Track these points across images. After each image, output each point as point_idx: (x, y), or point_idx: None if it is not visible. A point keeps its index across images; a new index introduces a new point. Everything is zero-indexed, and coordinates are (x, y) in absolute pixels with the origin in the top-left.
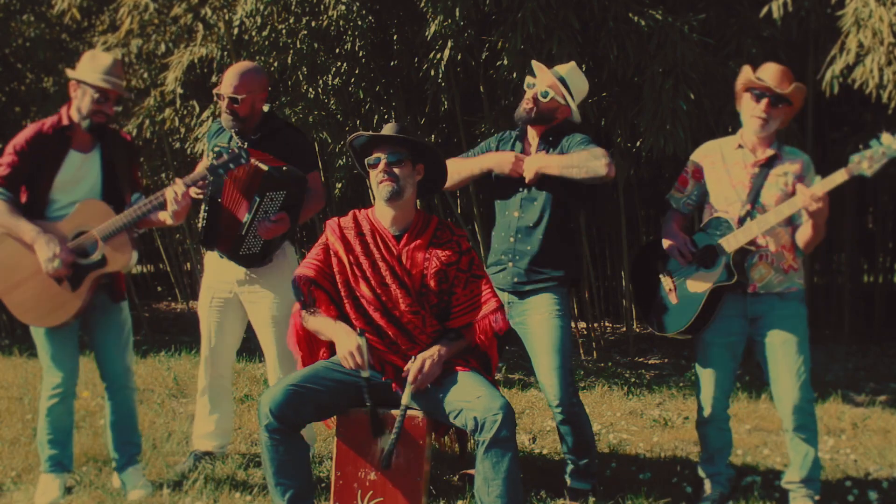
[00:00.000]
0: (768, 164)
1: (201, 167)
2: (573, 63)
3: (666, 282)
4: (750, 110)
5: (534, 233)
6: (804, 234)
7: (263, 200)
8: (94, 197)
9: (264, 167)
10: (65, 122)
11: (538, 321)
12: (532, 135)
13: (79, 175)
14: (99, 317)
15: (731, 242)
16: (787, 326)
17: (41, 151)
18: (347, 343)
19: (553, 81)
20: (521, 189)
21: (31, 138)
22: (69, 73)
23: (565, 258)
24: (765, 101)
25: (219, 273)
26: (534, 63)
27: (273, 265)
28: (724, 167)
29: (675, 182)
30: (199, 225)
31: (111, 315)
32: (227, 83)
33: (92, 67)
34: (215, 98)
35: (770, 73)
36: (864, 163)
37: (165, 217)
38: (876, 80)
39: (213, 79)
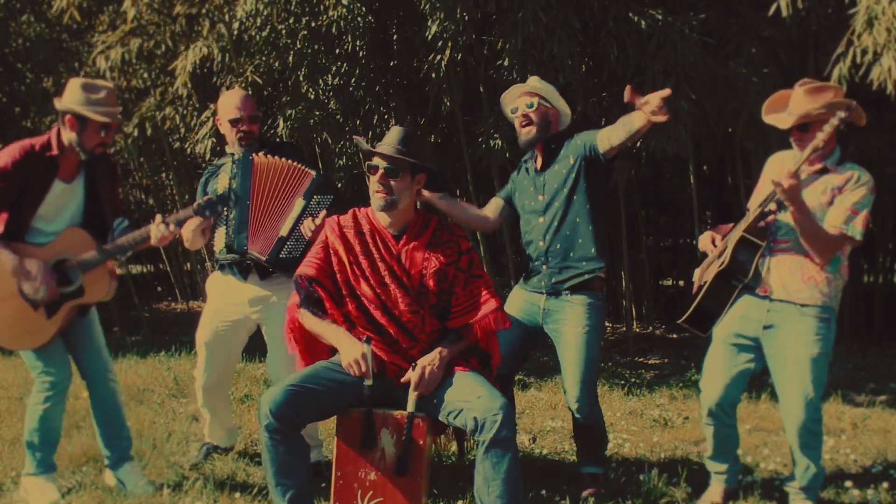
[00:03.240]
0: (820, 173)
1: (189, 209)
2: (533, 76)
3: (697, 273)
4: (792, 140)
5: (563, 231)
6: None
7: (310, 203)
8: (75, 223)
9: (311, 171)
10: (55, 151)
11: (571, 332)
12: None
13: (60, 204)
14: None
15: (735, 232)
16: (801, 343)
17: (26, 179)
18: (353, 351)
19: (526, 94)
20: (541, 198)
21: (18, 161)
22: (62, 105)
23: (596, 245)
24: (792, 133)
25: (228, 296)
26: (501, 98)
27: (286, 280)
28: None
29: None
30: (229, 231)
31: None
32: (242, 106)
33: (88, 100)
34: (230, 126)
35: (793, 101)
36: (821, 135)
37: (150, 240)
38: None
39: (215, 80)
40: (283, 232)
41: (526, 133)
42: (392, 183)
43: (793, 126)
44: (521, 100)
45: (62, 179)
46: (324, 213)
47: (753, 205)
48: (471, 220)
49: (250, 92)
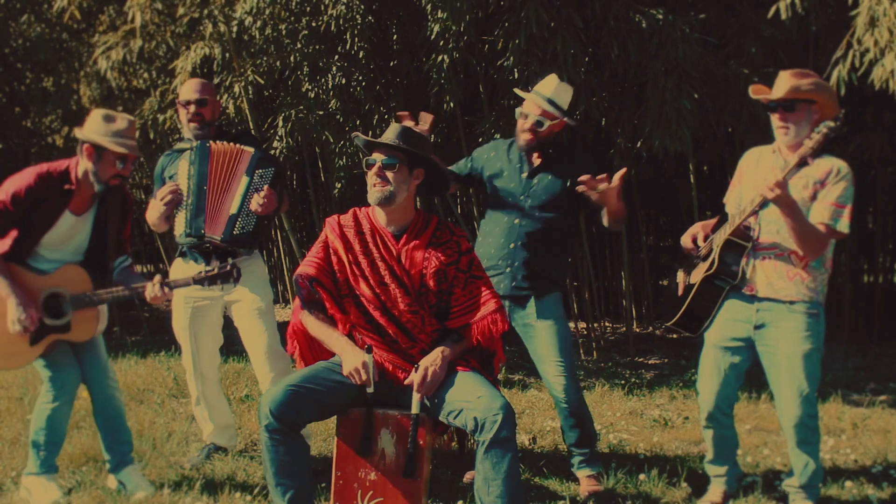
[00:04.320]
0: (799, 166)
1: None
2: (553, 76)
3: (680, 275)
4: (773, 123)
5: (535, 240)
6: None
7: (254, 179)
8: (79, 254)
9: (249, 149)
10: (73, 184)
11: (544, 325)
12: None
13: (67, 236)
14: None
15: (720, 234)
16: (792, 340)
17: (38, 206)
18: (354, 359)
19: (542, 108)
20: (522, 198)
21: (32, 188)
22: (82, 134)
23: (560, 265)
24: (776, 112)
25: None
26: (518, 91)
27: (247, 262)
28: (758, 171)
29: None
30: (186, 215)
31: None
32: (190, 90)
33: (107, 130)
34: (180, 108)
35: (776, 82)
36: (809, 143)
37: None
38: None
39: (215, 79)
40: (233, 209)
41: (524, 140)
42: (389, 175)
43: (779, 104)
44: (535, 110)
45: (73, 212)
46: (267, 187)
47: (730, 202)
48: None
49: (251, 92)
